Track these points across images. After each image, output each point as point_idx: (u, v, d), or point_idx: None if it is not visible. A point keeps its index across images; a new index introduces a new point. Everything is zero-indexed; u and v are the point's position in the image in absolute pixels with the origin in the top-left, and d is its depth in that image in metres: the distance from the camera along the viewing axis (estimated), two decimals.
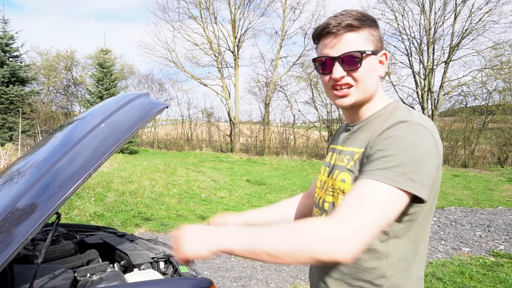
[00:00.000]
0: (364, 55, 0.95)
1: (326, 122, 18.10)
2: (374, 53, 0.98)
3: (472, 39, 16.36)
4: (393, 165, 0.82)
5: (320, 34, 0.98)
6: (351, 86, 0.97)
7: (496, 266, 4.25)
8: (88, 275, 1.60)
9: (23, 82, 13.65)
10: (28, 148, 10.92)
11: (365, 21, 0.96)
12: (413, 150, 0.83)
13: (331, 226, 0.78)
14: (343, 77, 0.96)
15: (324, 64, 0.99)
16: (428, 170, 0.84)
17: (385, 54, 1.01)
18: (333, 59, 0.96)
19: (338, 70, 0.96)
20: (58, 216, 1.31)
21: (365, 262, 0.94)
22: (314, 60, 1.03)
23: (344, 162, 1.01)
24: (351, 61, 0.95)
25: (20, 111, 12.26)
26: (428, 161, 0.85)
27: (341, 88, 0.98)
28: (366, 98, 1.00)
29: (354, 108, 1.03)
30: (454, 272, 4.04)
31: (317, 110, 18.26)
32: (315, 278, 1.09)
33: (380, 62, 1.01)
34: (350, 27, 0.94)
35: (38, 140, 11.55)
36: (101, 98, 14.18)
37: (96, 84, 14.88)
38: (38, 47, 26.44)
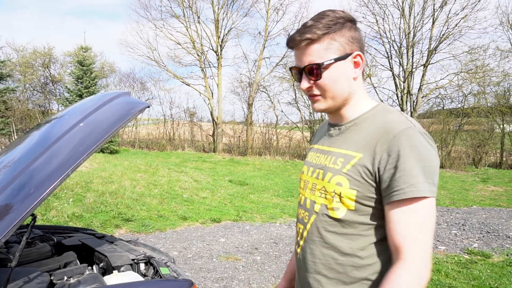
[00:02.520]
0: (322, 67, 0.97)
1: (309, 123, 18.28)
2: (340, 59, 0.98)
3: (449, 44, 16.93)
4: (423, 178, 0.88)
5: (288, 46, 1.02)
6: (319, 94, 1.02)
7: (470, 264, 4.41)
8: (65, 278, 1.56)
9: None
10: (3, 147, 10.54)
11: (328, 28, 0.96)
12: (430, 158, 0.90)
13: (405, 270, 0.87)
14: (309, 87, 1.01)
15: (296, 74, 1.04)
16: (437, 173, 0.92)
17: (358, 55, 1.00)
18: (301, 70, 1.01)
19: (304, 82, 1.01)
20: (34, 217, 1.28)
21: (362, 259, 0.96)
22: (290, 68, 1.08)
23: (338, 165, 1.00)
24: (313, 72, 0.99)
25: None
26: (438, 165, 0.93)
27: (313, 95, 1.03)
28: (339, 103, 1.02)
29: (335, 111, 1.05)
30: (431, 270, 4.16)
31: (299, 110, 18.43)
32: (306, 280, 1.07)
33: (355, 63, 1.00)
34: (309, 40, 0.97)
35: (13, 139, 11.16)
36: (81, 96, 13.82)
37: (75, 82, 14.50)
38: (14, 43, 25.66)
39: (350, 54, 0.99)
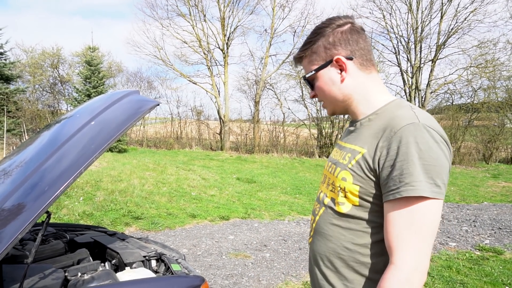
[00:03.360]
0: (310, 79, 1.07)
1: (316, 120, 18.20)
2: (320, 68, 1.03)
3: (458, 38, 16.71)
4: (422, 176, 0.83)
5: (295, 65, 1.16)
6: (322, 101, 1.11)
7: (482, 260, 4.36)
8: (79, 274, 1.59)
9: (7, 80, 13.35)
10: (14, 147, 10.70)
11: (308, 42, 1.05)
12: (432, 156, 0.84)
13: (394, 277, 0.84)
14: (313, 96, 1.12)
15: None
16: (444, 173, 0.86)
17: (336, 60, 1.01)
18: None
19: (310, 91, 1.14)
20: (48, 215, 1.30)
21: (364, 257, 0.96)
22: None
23: (345, 160, 1.01)
24: (309, 85, 1.10)
25: (5, 110, 12.00)
26: (443, 163, 0.86)
27: (320, 101, 1.13)
28: (341, 106, 1.07)
29: (346, 111, 1.09)
30: (441, 266, 4.13)
31: (306, 108, 18.34)
32: (313, 270, 1.10)
33: (340, 66, 1.01)
34: (299, 59, 1.09)
35: (24, 139, 11.33)
36: (89, 96, 13.96)
37: (84, 82, 14.64)
38: (23, 44, 26.00)
39: (331, 60, 1.01)
